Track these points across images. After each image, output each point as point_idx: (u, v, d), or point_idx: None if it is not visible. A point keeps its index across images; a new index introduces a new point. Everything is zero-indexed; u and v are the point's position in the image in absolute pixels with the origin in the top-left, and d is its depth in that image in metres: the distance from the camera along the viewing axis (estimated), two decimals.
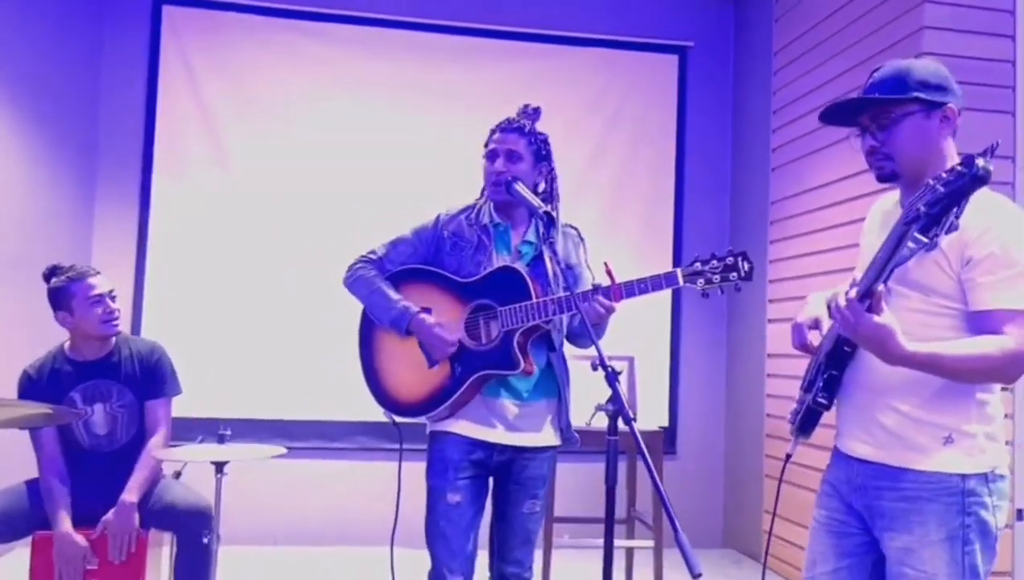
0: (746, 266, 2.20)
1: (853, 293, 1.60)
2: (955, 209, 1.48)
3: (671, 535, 1.59)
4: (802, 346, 1.90)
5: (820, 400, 1.80)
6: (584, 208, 4.87)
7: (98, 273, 2.89)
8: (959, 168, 1.47)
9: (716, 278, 2.21)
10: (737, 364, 5.11)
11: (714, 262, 2.22)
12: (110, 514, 2.69)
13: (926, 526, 1.68)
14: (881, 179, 1.81)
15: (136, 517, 2.71)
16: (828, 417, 1.88)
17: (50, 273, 2.85)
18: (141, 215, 4.83)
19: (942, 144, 1.76)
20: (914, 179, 1.75)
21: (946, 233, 1.50)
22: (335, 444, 4.81)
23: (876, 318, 1.57)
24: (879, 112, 1.76)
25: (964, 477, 1.68)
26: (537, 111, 2.52)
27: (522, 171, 2.41)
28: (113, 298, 2.86)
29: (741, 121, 5.23)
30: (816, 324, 1.91)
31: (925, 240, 1.49)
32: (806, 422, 1.87)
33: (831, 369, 1.81)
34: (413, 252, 2.51)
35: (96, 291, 2.81)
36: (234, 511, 3.47)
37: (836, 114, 1.85)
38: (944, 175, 1.48)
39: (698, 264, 2.23)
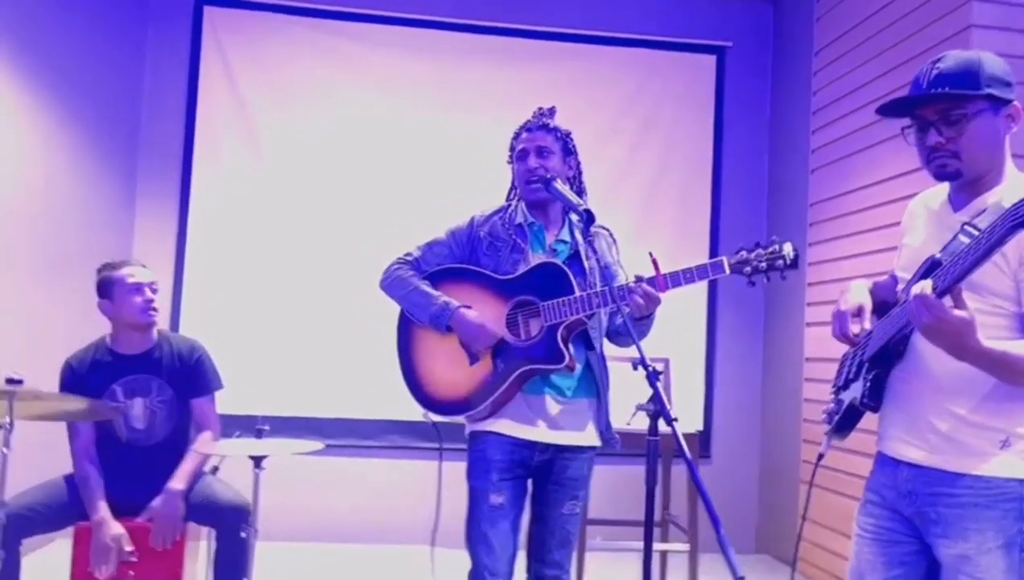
0: (792, 254, 2.18)
1: (929, 287, 1.51)
2: None
3: (707, 539, 1.57)
4: (843, 335, 1.82)
5: (867, 402, 1.75)
6: (619, 210, 4.84)
7: (143, 266, 2.96)
8: None
9: (763, 265, 2.18)
10: (774, 368, 5.05)
11: (759, 250, 2.20)
12: (157, 501, 2.72)
13: (983, 533, 1.63)
14: (941, 177, 1.72)
15: (182, 505, 2.73)
16: (868, 421, 1.83)
17: (102, 267, 2.95)
18: (181, 210, 4.90)
19: (1005, 143, 1.69)
20: (975, 179, 1.69)
21: None
22: (369, 442, 4.83)
23: (959, 312, 1.49)
24: (949, 107, 1.66)
25: (1022, 482, 1.62)
26: (552, 109, 2.53)
27: (554, 167, 2.43)
28: (154, 290, 2.91)
29: (779, 122, 5.17)
30: (860, 312, 1.82)
31: None
32: (844, 423, 1.82)
33: (877, 369, 1.76)
34: (449, 253, 2.51)
35: (135, 280, 2.87)
36: (269, 508, 3.50)
37: (895, 106, 1.74)
38: None
39: (744, 252, 2.21)
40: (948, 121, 1.66)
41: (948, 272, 1.50)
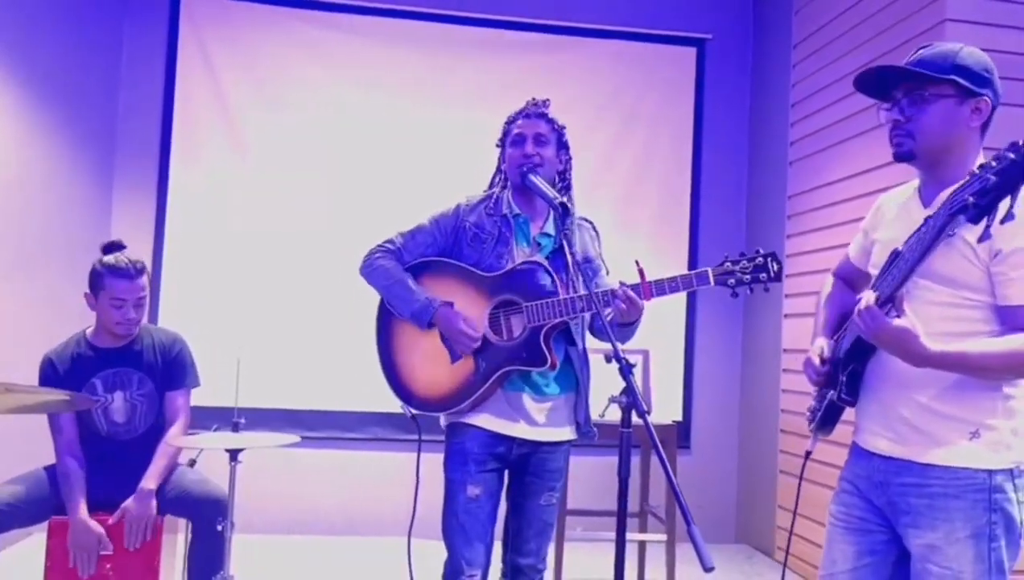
0: (775, 266, 2.20)
1: (873, 297, 1.57)
2: (1009, 197, 1.42)
3: (684, 529, 1.58)
4: (815, 374, 1.88)
5: (844, 397, 1.78)
6: (601, 201, 4.85)
7: (138, 276, 2.80)
8: (1009, 154, 1.41)
9: (747, 278, 2.20)
10: (752, 359, 5.09)
11: (744, 262, 2.21)
12: (129, 501, 2.71)
13: (952, 523, 1.65)
14: (897, 157, 1.75)
15: (154, 505, 2.73)
16: (848, 413, 1.86)
17: (106, 248, 2.85)
18: (158, 203, 4.86)
19: (968, 136, 1.71)
20: (930, 164, 1.73)
21: (1002, 223, 1.43)
22: (349, 434, 4.83)
23: (897, 321, 1.53)
24: (914, 86, 1.70)
25: (991, 473, 1.65)
26: (546, 102, 2.52)
27: (548, 157, 2.43)
28: (139, 303, 2.82)
29: (759, 114, 5.20)
30: (821, 351, 1.90)
31: (976, 230, 1.42)
32: (826, 419, 1.85)
33: (852, 364, 1.79)
34: (432, 242, 2.48)
35: (121, 296, 2.77)
36: (248, 500, 3.49)
37: (870, 83, 1.78)
38: (993, 164, 1.42)
39: (728, 264, 2.22)
40: (911, 100, 1.71)
41: (892, 274, 1.56)
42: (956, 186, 1.47)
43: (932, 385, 1.68)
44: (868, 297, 1.59)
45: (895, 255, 1.63)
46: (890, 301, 1.55)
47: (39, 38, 4.18)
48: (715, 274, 2.21)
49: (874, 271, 1.83)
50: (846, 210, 4.07)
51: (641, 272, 2.22)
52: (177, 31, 4.89)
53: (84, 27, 4.59)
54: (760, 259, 2.20)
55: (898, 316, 1.54)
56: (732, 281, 2.21)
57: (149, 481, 2.74)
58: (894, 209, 1.87)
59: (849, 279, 2.04)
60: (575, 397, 2.45)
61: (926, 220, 1.59)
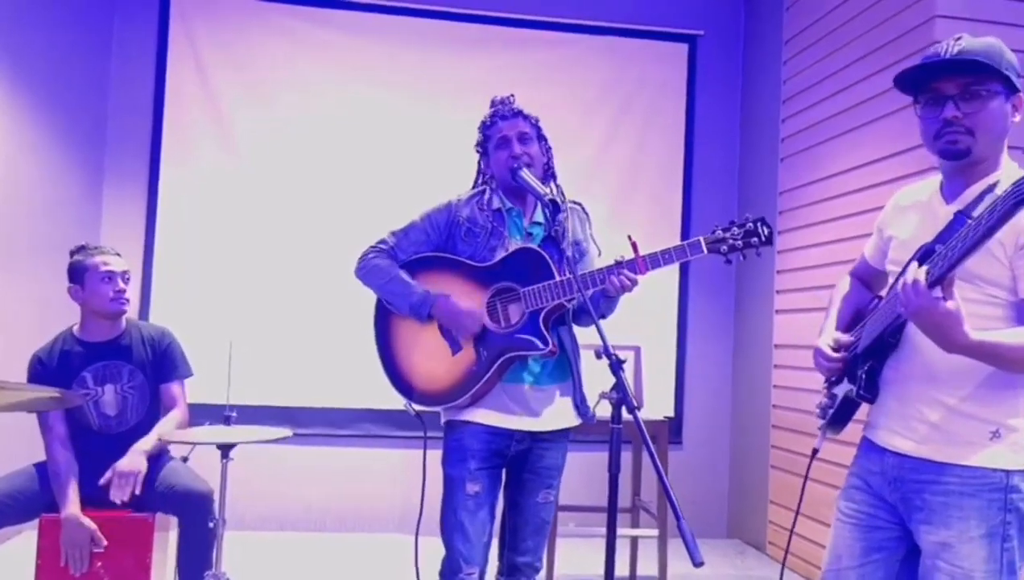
0: (765, 231, 2.22)
1: (923, 274, 1.52)
2: None
3: (675, 524, 1.59)
4: (826, 360, 1.86)
5: (863, 393, 1.77)
6: (593, 196, 4.78)
7: (117, 254, 2.94)
8: None
9: (739, 243, 2.22)
10: (744, 355, 5.10)
11: (735, 229, 2.23)
12: (121, 459, 2.73)
13: (966, 521, 1.64)
14: (950, 155, 1.68)
15: (145, 462, 2.74)
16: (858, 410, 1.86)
17: (75, 250, 2.92)
18: (149, 200, 4.85)
19: (1007, 133, 1.70)
20: (976, 162, 1.68)
21: None
22: (342, 431, 4.82)
23: (947, 304, 1.50)
24: (972, 81, 1.63)
25: (1008, 473, 1.64)
26: (512, 97, 2.51)
27: (534, 153, 2.43)
28: (126, 279, 2.90)
29: (750, 110, 5.20)
30: (835, 340, 1.88)
31: None
32: (839, 416, 1.84)
33: (871, 361, 1.77)
34: (426, 239, 2.47)
35: (108, 268, 2.85)
36: (240, 497, 3.49)
37: (913, 76, 1.69)
38: None
39: (720, 231, 2.24)
40: (968, 96, 1.65)
41: (945, 257, 1.51)
42: (1014, 180, 1.40)
43: (954, 384, 1.67)
44: (918, 272, 1.53)
45: (927, 251, 1.59)
46: (937, 283, 1.51)
47: (29, 36, 4.16)
48: (707, 242, 2.23)
49: (893, 268, 1.81)
50: (838, 206, 4.08)
51: (635, 246, 2.23)
52: (167, 29, 4.87)
53: (74, 25, 4.57)
54: (750, 225, 2.22)
55: (944, 298, 1.51)
56: (724, 248, 2.22)
57: (143, 443, 2.77)
58: (913, 206, 1.83)
59: (865, 279, 2.02)
60: (571, 380, 2.45)
61: (956, 215, 1.55)
